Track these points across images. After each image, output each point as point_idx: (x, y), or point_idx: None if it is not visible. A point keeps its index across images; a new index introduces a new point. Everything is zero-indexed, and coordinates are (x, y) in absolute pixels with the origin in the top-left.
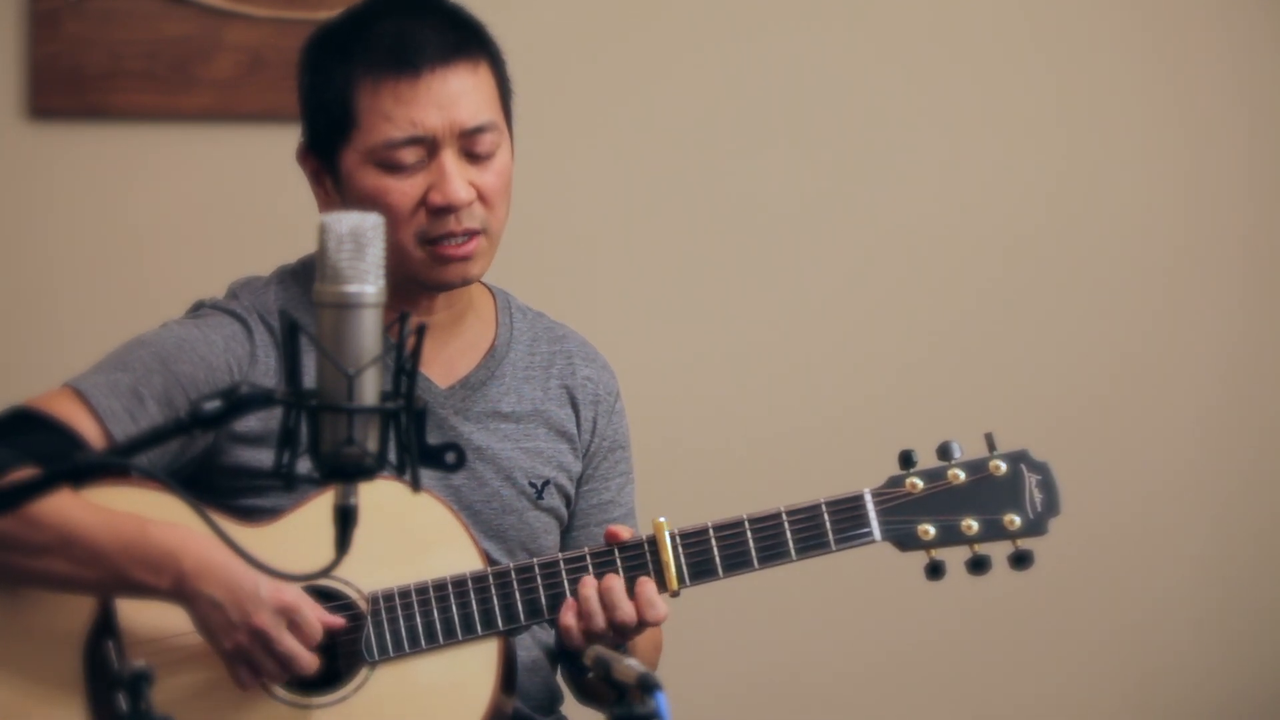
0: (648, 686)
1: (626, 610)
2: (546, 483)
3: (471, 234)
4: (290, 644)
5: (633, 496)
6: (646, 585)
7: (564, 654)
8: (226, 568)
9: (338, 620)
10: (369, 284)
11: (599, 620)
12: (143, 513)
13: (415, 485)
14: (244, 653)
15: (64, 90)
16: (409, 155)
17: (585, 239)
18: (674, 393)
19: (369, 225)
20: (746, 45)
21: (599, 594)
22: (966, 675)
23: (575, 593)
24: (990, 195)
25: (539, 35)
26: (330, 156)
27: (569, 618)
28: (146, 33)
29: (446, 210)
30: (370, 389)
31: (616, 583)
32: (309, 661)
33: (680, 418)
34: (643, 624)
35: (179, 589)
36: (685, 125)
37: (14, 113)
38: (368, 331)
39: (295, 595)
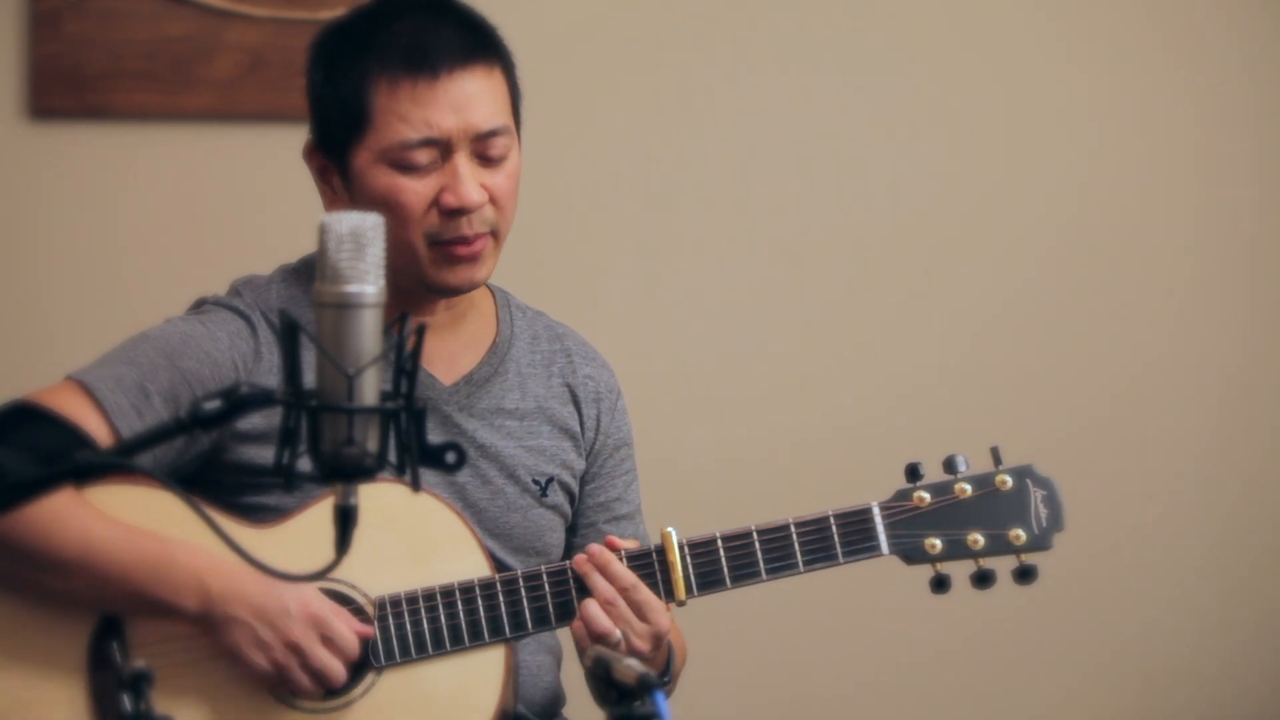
0: (647, 687)
1: (602, 624)
2: (550, 480)
3: (480, 236)
4: (324, 657)
5: (639, 494)
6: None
7: None
8: (252, 589)
9: (367, 629)
10: (369, 284)
11: (585, 641)
12: (146, 513)
13: (415, 485)
14: (280, 669)
15: (64, 90)
16: (423, 156)
17: (593, 244)
18: (680, 402)
19: (369, 225)
20: (753, 46)
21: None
22: (970, 684)
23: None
24: (998, 206)
25: (540, 34)
26: (340, 154)
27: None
28: (146, 33)
29: (459, 212)
30: (370, 389)
31: (589, 603)
32: (340, 674)
33: (686, 428)
34: (646, 619)
35: (206, 612)
36: (692, 127)
37: (14, 113)
38: (368, 331)
39: (323, 607)
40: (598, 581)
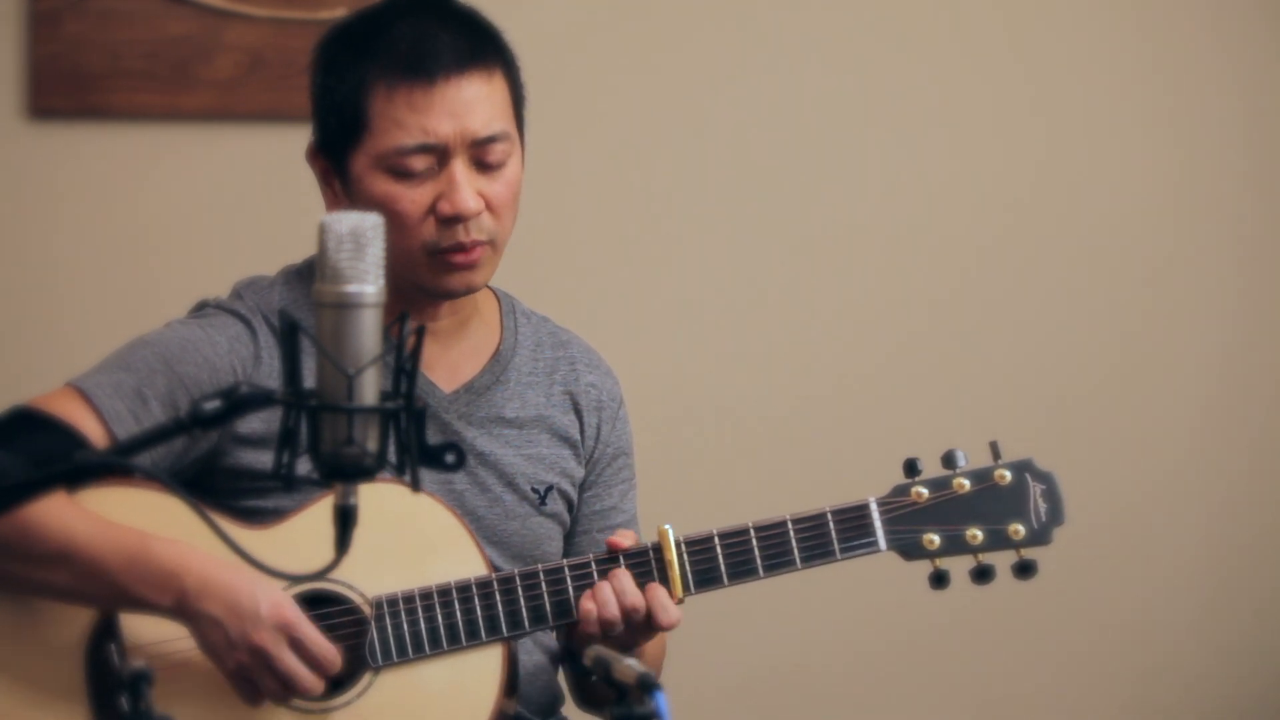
0: (647, 686)
1: (635, 597)
2: (549, 488)
3: (477, 243)
4: (290, 663)
5: (635, 503)
6: (658, 590)
7: (569, 655)
8: (228, 586)
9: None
10: (369, 284)
11: (613, 608)
12: (144, 515)
13: (415, 485)
14: (245, 671)
15: (64, 90)
16: (419, 163)
17: (590, 243)
18: (678, 398)
19: (369, 225)
20: (749, 47)
21: (609, 582)
22: (967, 677)
23: (579, 600)
24: (993, 201)
25: (543, 36)
26: (340, 159)
27: (587, 602)
28: (146, 33)
29: (455, 220)
30: (370, 389)
31: (625, 573)
32: (311, 682)
33: (684, 424)
34: (655, 627)
35: (180, 607)
36: (689, 128)
37: (14, 113)
38: (367, 331)
39: (296, 613)
40: (608, 603)
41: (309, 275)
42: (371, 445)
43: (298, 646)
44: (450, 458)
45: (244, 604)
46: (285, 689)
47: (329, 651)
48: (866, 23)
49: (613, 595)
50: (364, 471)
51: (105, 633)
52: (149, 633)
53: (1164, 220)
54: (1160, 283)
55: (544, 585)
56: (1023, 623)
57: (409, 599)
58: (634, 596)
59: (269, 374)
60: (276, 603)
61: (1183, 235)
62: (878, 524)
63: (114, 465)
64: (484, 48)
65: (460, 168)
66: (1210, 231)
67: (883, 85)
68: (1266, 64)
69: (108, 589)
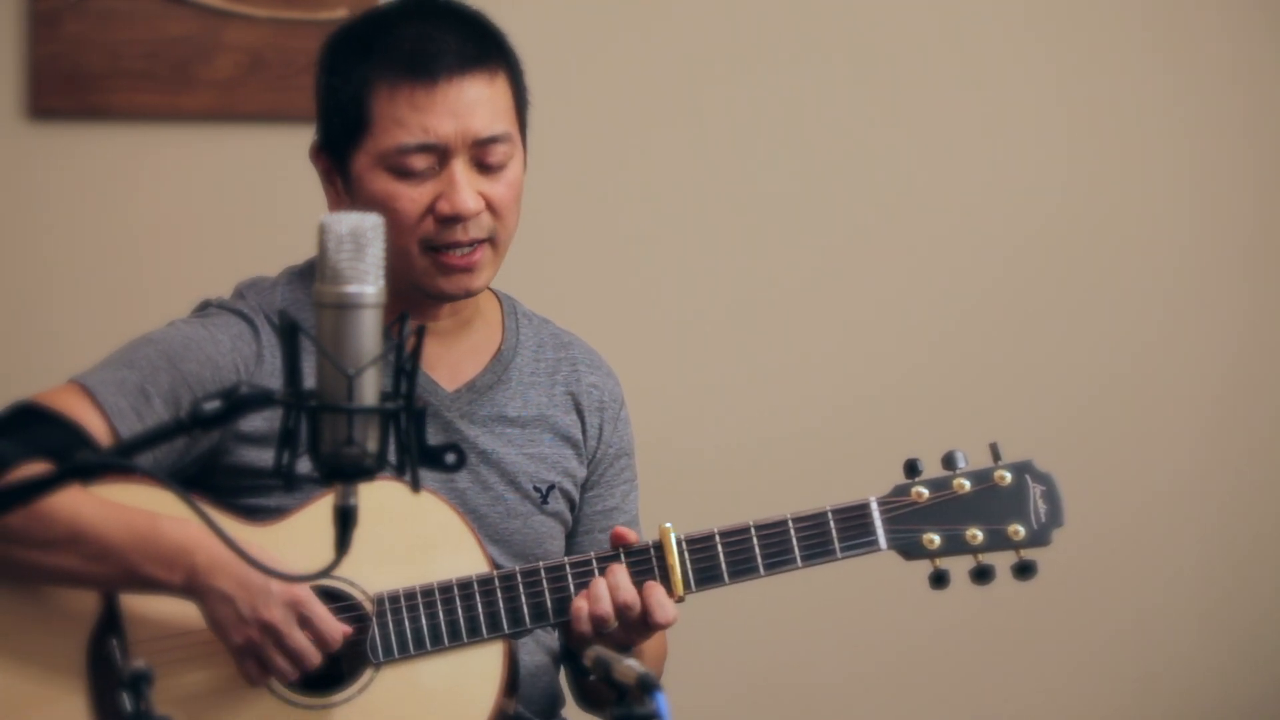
0: (647, 687)
1: (628, 593)
2: (551, 487)
3: (477, 243)
4: (300, 640)
5: (637, 503)
6: (656, 588)
7: (569, 655)
8: (238, 563)
9: (345, 627)
10: (369, 284)
11: (605, 604)
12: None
13: (415, 486)
14: (254, 648)
15: (64, 90)
16: (419, 162)
17: (591, 244)
18: (679, 399)
19: (369, 225)
20: (751, 49)
21: (604, 578)
22: (967, 677)
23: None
24: (995, 202)
25: (546, 38)
26: (342, 157)
27: (580, 599)
28: (146, 33)
29: (454, 219)
30: (370, 389)
31: (621, 569)
32: (315, 658)
33: (686, 424)
34: (651, 624)
35: (190, 584)
36: (691, 129)
37: (14, 113)
38: (368, 332)
39: (307, 591)
40: (600, 598)
41: (310, 275)
42: (371, 445)
43: (307, 625)
44: (450, 458)
45: (255, 580)
46: (293, 666)
47: (334, 628)
48: (870, 25)
49: (606, 590)
50: (364, 472)
51: (107, 627)
52: (151, 630)
53: (1167, 225)
54: (1163, 287)
55: (545, 582)
56: (1024, 627)
57: (410, 596)
58: (627, 592)
59: (271, 373)
60: (288, 581)
61: (1186, 240)
62: (878, 523)
63: (114, 465)
64: (487, 49)
65: (461, 168)
66: (1214, 237)
67: (883, 86)
68: (1278, 70)
69: (118, 569)
